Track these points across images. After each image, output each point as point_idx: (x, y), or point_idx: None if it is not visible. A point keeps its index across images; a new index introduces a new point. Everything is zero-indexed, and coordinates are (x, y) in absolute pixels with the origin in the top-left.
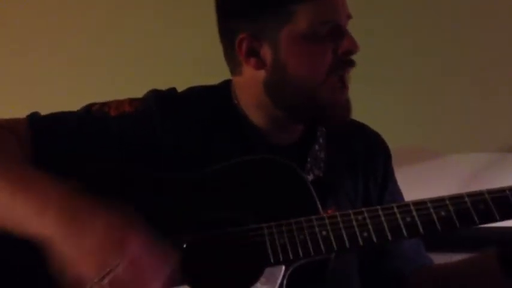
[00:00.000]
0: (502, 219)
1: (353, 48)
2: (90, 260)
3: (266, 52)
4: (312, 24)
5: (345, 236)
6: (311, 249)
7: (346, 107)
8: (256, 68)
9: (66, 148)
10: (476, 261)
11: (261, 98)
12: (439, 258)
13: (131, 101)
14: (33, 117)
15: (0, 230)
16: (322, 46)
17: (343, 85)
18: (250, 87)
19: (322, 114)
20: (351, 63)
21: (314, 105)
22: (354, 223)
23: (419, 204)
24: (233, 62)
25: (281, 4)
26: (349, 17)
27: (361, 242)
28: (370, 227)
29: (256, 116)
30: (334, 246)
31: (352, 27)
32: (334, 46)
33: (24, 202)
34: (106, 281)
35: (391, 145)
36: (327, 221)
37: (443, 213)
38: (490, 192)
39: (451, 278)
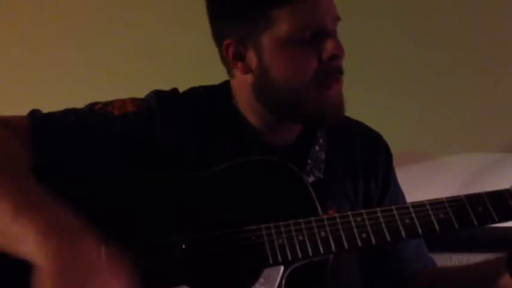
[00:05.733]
0: (501, 220)
1: (338, 52)
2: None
3: (251, 57)
4: (294, 29)
5: (343, 237)
6: (309, 250)
7: (337, 105)
8: (243, 73)
9: (68, 147)
10: (483, 266)
11: (252, 101)
12: (439, 258)
13: (134, 100)
14: (34, 114)
15: None
16: (305, 51)
17: (330, 86)
18: (242, 90)
19: (311, 115)
20: (338, 71)
21: (301, 108)
22: (353, 224)
23: (418, 206)
24: (226, 65)
25: (262, 9)
26: (336, 19)
27: (359, 243)
28: (368, 228)
29: (251, 117)
30: (333, 247)
31: (351, 29)
32: (319, 51)
33: (15, 225)
34: None
35: (390, 145)
36: (325, 222)
37: (442, 215)
38: (488, 194)
39: (455, 281)
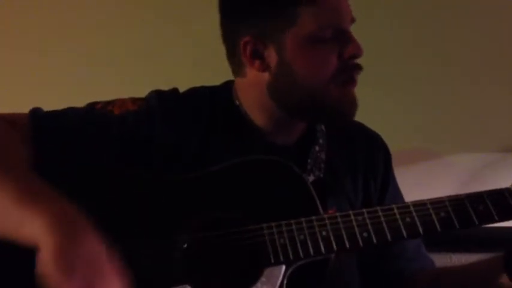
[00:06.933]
0: (501, 220)
1: (357, 52)
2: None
3: (271, 55)
4: (317, 27)
5: (344, 236)
6: (311, 250)
7: (353, 104)
8: (260, 71)
9: (68, 146)
10: (483, 265)
11: (264, 99)
12: (439, 258)
13: (134, 100)
14: (36, 112)
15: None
16: (327, 49)
17: (351, 82)
18: (253, 88)
19: (328, 113)
20: (358, 67)
21: (319, 106)
22: (354, 223)
23: (419, 205)
24: (236, 63)
25: (286, 7)
26: (353, 20)
27: (361, 243)
28: (370, 227)
29: (258, 117)
30: (334, 246)
31: (355, 27)
32: (339, 49)
33: (19, 210)
34: None
35: (390, 145)
36: (327, 222)
37: (442, 214)
38: (488, 193)
39: (456, 280)
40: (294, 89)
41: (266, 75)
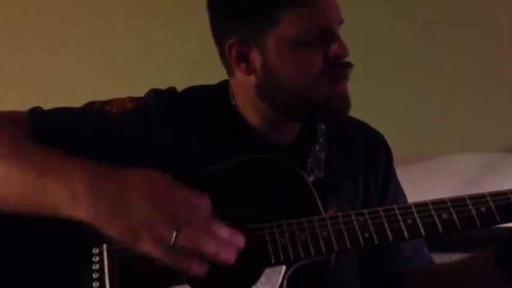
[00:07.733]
0: (503, 221)
1: (342, 53)
2: (149, 230)
3: (255, 57)
4: (300, 30)
5: (346, 236)
6: (312, 250)
7: (344, 99)
8: (246, 73)
9: (66, 146)
10: (474, 261)
11: (255, 100)
12: (439, 258)
13: (132, 99)
14: (34, 111)
15: (27, 212)
16: (311, 51)
17: (340, 79)
18: (243, 90)
19: (318, 112)
20: (346, 65)
21: (309, 105)
22: (355, 224)
23: (421, 206)
24: (227, 65)
25: (268, 9)
26: (341, 21)
27: (362, 243)
28: (371, 228)
29: (253, 117)
30: (335, 247)
31: (352, 28)
32: (324, 50)
33: (52, 186)
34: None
35: (390, 146)
36: (328, 222)
37: (444, 216)
38: (491, 195)
39: (449, 277)
40: (279, 92)
41: (253, 78)
